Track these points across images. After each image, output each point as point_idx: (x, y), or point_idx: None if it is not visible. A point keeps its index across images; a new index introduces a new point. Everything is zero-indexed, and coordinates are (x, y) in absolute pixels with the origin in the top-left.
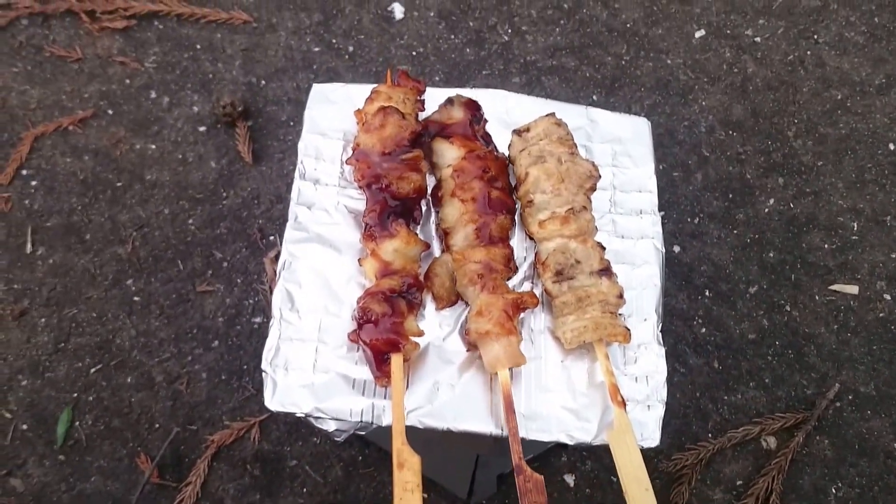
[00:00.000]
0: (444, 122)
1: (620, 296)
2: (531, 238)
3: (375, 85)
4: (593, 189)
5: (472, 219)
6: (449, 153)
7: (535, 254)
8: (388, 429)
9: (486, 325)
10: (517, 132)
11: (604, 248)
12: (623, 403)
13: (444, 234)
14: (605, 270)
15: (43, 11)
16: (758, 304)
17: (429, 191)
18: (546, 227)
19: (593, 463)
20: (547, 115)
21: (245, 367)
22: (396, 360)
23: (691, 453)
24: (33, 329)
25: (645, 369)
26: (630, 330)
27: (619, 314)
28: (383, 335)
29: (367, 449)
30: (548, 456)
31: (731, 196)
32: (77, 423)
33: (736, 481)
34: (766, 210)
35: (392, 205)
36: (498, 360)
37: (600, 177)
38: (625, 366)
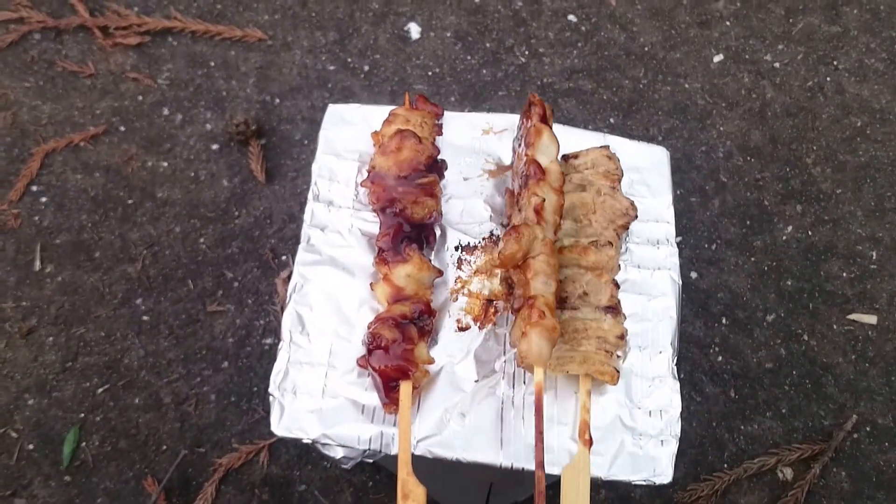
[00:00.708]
0: None
1: (622, 337)
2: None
3: (392, 106)
4: (625, 227)
5: None
6: None
7: None
8: (397, 456)
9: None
10: (565, 157)
11: (618, 287)
12: (589, 442)
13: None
14: (612, 309)
15: (56, 26)
16: (775, 332)
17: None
18: (564, 254)
19: (607, 492)
20: (601, 147)
21: (255, 389)
22: (405, 388)
23: (707, 484)
24: (41, 347)
25: (659, 403)
26: (619, 373)
27: (617, 356)
28: (393, 362)
29: (378, 475)
30: (556, 486)
31: (748, 223)
32: (84, 443)
33: None
34: (784, 237)
35: (406, 229)
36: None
37: (636, 217)
38: (639, 399)
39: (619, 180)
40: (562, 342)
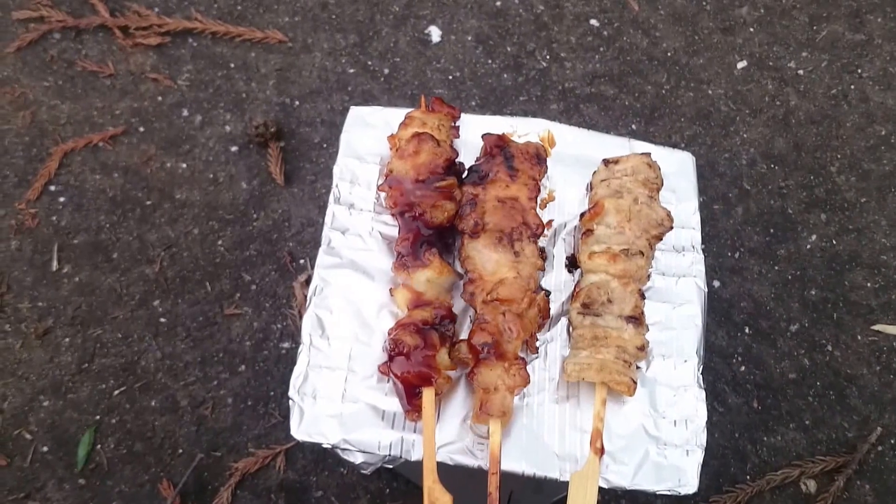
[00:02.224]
0: None
1: (642, 348)
2: (578, 267)
3: (412, 110)
4: (659, 238)
5: None
6: None
7: (576, 282)
8: (417, 463)
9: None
10: (606, 162)
11: (643, 298)
12: (601, 451)
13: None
14: (635, 319)
15: (76, 26)
16: (799, 342)
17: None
18: (594, 260)
19: (628, 502)
20: (642, 154)
21: (272, 393)
22: (428, 395)
23: (729, 496)
24: (57, 348)
25: (684, 413)
26: (636, 384)
27: (638, 367)
28: (415, 368)
29: (395, 481)
30: None
31: (772, 231)
32: (99, 446)
33: None
34: (808, 246)
35: (425, 233)
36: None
37: (671, 228)
38: (663, 409)
39: (658, 190)
40: (581, 348)
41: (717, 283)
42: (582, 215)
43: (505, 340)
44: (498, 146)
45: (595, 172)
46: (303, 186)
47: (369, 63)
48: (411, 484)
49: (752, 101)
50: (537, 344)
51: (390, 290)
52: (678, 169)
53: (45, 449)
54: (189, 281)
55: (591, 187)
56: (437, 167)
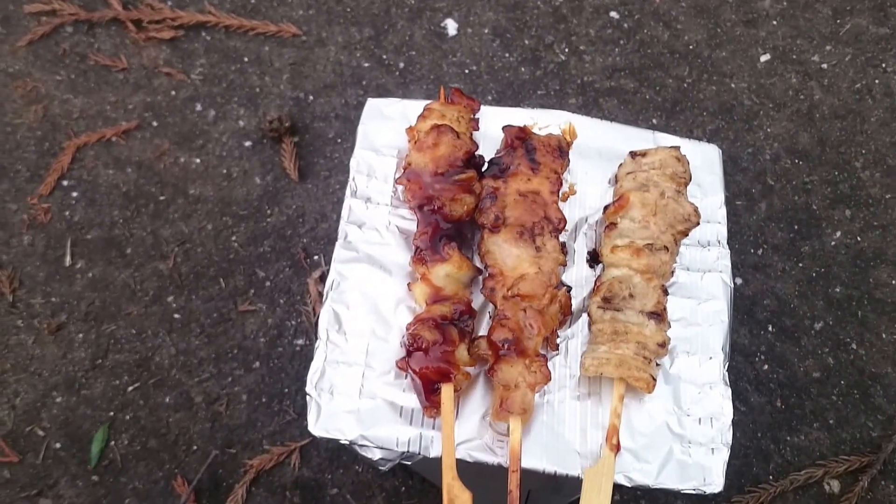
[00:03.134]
0: None
1: (663, 345)
2: (600, 261)
3: (430, 101)
4: (685, 233)
5: None
6: None
7: (597, 276)
8: (435, 460)
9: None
10: (633, 154)
11: (666, 294)
12: (617, 448)
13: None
14: (657, 315)
15: (88, 19)
16: (823, 341)
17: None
18: (616, 254)
19: (647, 502)
20: (671, 147)
21: (286, 390)
22: (447, 391)
23: (752, 496)
24: (70, 344)
25: (709, 411)
26: (655, 381)
27: (658, 364)
28: (434, 364)
29: (411, 479)
30: None
31: (796, 227)
32: (112, 442)
33: None
34: (833, 243)
35: (444, 227)
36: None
37: (698, 223)
38: (688, 406)
39: (686, 184)
40: (600, 343)
41: (739, 281)
42: (606, 208)
43: (525, 337)
44: (519, 138)
45: (621, 165)
46: (317, 182)
47: (384, 57)
48: (427, 482)
49: (775, 95)
50: (558, 341)
51: (408, 284)
52: (703, 162)
53: (58, 445)
54: (203, 277)
55: (615, 179)
56: (456, 160)
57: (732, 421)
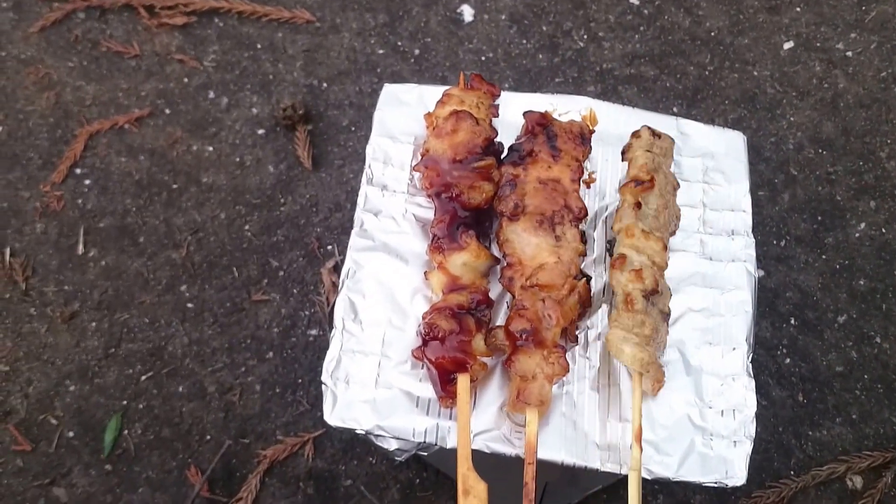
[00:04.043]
0: None
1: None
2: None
3: (449, 87)
4: (673, 233)
5: None
6: None
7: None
8: (451, 451)
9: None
10: (651, 131)
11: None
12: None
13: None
14: (667, 316)
15: (100, 5)
16: (846, 334)
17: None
18: (643, 241)
19: (665, 497)
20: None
21: (300, 380)
22: (463, 381)
23: (772, 491)
24: (83, 333)
25: (732, 402)
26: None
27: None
28: (450, 354)
29: (426, 471)
30: (617, 488)
31: (819, 218)
32: (126, 431)
33: None
34: (857, 235)
35: (462, 215)
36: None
37: (673, 233)
38: (710, 398)
39: (675, 189)
40: (643, 337)
41: (761, 273)
42: (629, 183)
43: (544, 328)
44: (541, 124)
45: (636, 136)
46: (331, 171)
47: (399, 44)
48: (441, 474)
49: (799, 84)
50: (577, 332)
51: (425, 273)
52: (727, 149)
53: (71, 434)
54: (216, 266)
55: (629, 149)
56: (475, 147)
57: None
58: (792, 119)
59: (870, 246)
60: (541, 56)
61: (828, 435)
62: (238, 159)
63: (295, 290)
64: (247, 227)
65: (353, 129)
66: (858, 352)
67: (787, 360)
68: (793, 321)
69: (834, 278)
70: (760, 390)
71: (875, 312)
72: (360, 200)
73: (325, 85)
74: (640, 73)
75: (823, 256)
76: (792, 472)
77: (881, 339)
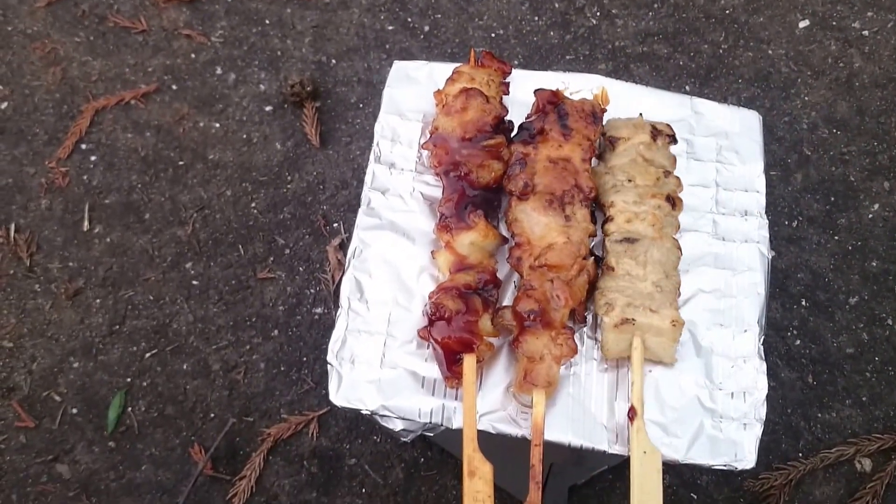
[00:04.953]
0: None
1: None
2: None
3: (460, 64)
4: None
5: None
6: None
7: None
8: (456, 431)
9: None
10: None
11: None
12: (631, 418)
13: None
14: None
15: None
16: (858, 316)
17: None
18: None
19: (672, 477)
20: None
21: (304, 358)
22: (469, 362)
23: (780, 473)
24: (87, 310)
25: (742, 385)
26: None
27: None
28: (456, 334)
29: (430, 451)
30: (623, 468)
31: (832, 199)
32: (129, 409)
33: None
34: (871, 216)
35: (470, 194)
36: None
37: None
38: (720, 380)
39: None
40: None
41: (773, 253)
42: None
43: (552, 308)
44: (552, 102)
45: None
46: (338, 148)
47: (409, 20)
48: (446, 453)
49: (814, 63)
50: (586, 313)
51: (432, 252)
52: (742, 128)
53: (75, 411)
54: (221, 243)
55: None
56: (485, 125)
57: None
58: (806, 98)
59: (883, 227)
60: (552, 33)
61: (837, 417)
62: (245, 136)
63: (301, 268)
64: (253, 204)
65: (361, 105)
66: (870, 334)
67: (798, 342)
68: (804, 302)
69: (846, 259)
70: (769, 372)
71: (887, 294)
72: (368, 178)
73: (333, 61)
74: (652, 51)
75: (836, 237)
76: (800, 454)
77: (893, 321)
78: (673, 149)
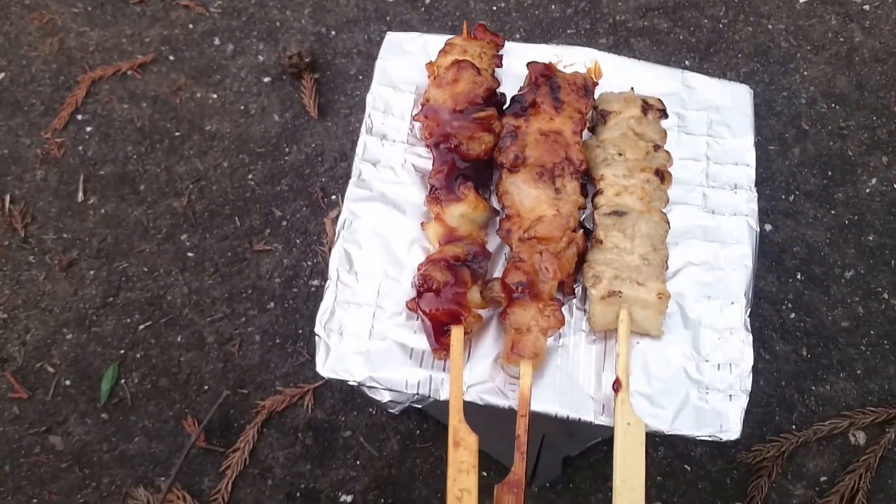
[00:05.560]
0: None
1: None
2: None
3: (452, 36)
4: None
5: None
6: None
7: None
8: (446, 403)
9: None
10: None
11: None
12: (616, 390)
13: None
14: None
15: None
16: (853, 289)
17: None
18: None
19: (666, 449)
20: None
21: (300, 331)
22: (457, 333)
23: (773, 445)
24: (81, 281)
25: (729, 356)
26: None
27: None
28: (444, 306)
29: (426, 423)
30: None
31: (830, 174)
32: (122, 380)
33: (820, 477)
34: (868, 190)
35: (461, 167)
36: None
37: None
38: (706, 352)
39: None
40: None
41: (769, 227)
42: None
43: (540, 280)
44: (544, 75)
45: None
46: (337, 120)
47: None
48: (441, 425)
49: (813, 38)
50: (575, 285)
51: (422, 224)
52: (733, 102)
53: (68, 383)
54: (218, 215)
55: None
56: (476, 97)
57: (753, 368)
58: (805, 73)
59: (880, 201)
60: (553, 7)
61: (831, 390)
62: (242, 107)
63: (298, 241)
64: (250, 176)
65: (360, 77)
66: (865, 307)
67: (792, 315)
68: (799, 276)
69: (842, 233)
70: (764, 345)
71: (883, 268)
72: (359, 150)
73: (333, 33)
74: (653, 25)
75: (832, 212)
76: (794, 427)
77: (889, 295)
78: (664, 122)
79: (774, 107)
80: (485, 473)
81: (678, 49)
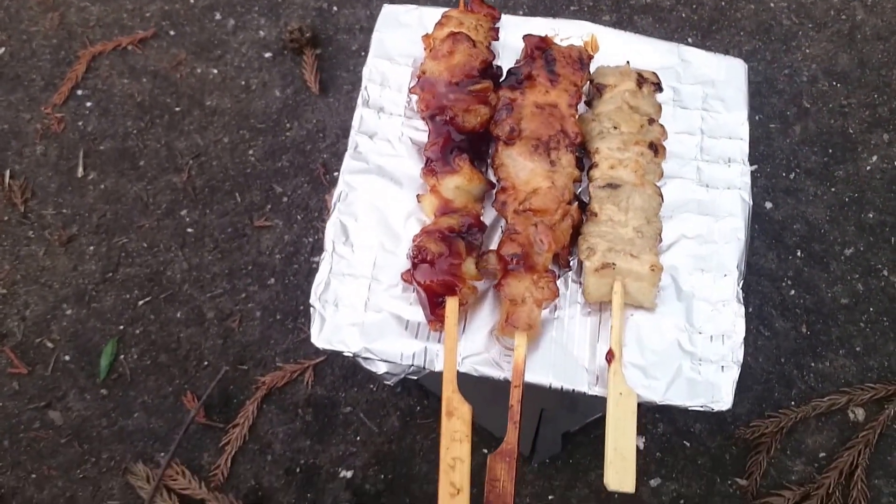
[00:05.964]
0: None
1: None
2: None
3: (448, 9)
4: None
5: None
6: None
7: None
8: (442, 375)
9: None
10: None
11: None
12: (609, 360)
13: None
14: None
15: None
16: (853, 266)
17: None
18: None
19: (665, 425)
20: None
21: (301, 307)
22: (451, 304)
23: (772, 421)
24: (81, 256)
25: (721, 328)
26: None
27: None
28: (439, 277)
29: (427, 399)
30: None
31: (830, 151)
32: (122, 356)
33: (818, 453)
34: (868, 168)
35: (456, 139)
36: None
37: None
38: (700, 324)
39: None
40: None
41: (769, 205)
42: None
43: (535, 252)
44: (539, 48)
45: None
46: (338, 96)
47: None
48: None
49: (816, 15)
50: (570, 258)
51: (418, 196)
52: (728, 76)
53: (67, 358)
54: (218, 191)
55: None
56: (472, 69)
57: (745, 339)
58: (807, 51)
59: (881, 179)
60: None
61: (830, 367)
62: (243, 83)
63: (299, 217)
64: (251, 151)
65: (362, 53)
66: (865, 284)
67: (792, 292)
68: (799, 253)
69: (842, 211)
70: (764, 321)
71: (883, 245)
72: (355, 122)
73: (334, 8)
74: (656, 2)
75: (833, 189)
76: (792, 403)
77: (889, 272)
78: (660, 96)
79: (776, 84)
80: (485, 451)
81: (681, 27)
